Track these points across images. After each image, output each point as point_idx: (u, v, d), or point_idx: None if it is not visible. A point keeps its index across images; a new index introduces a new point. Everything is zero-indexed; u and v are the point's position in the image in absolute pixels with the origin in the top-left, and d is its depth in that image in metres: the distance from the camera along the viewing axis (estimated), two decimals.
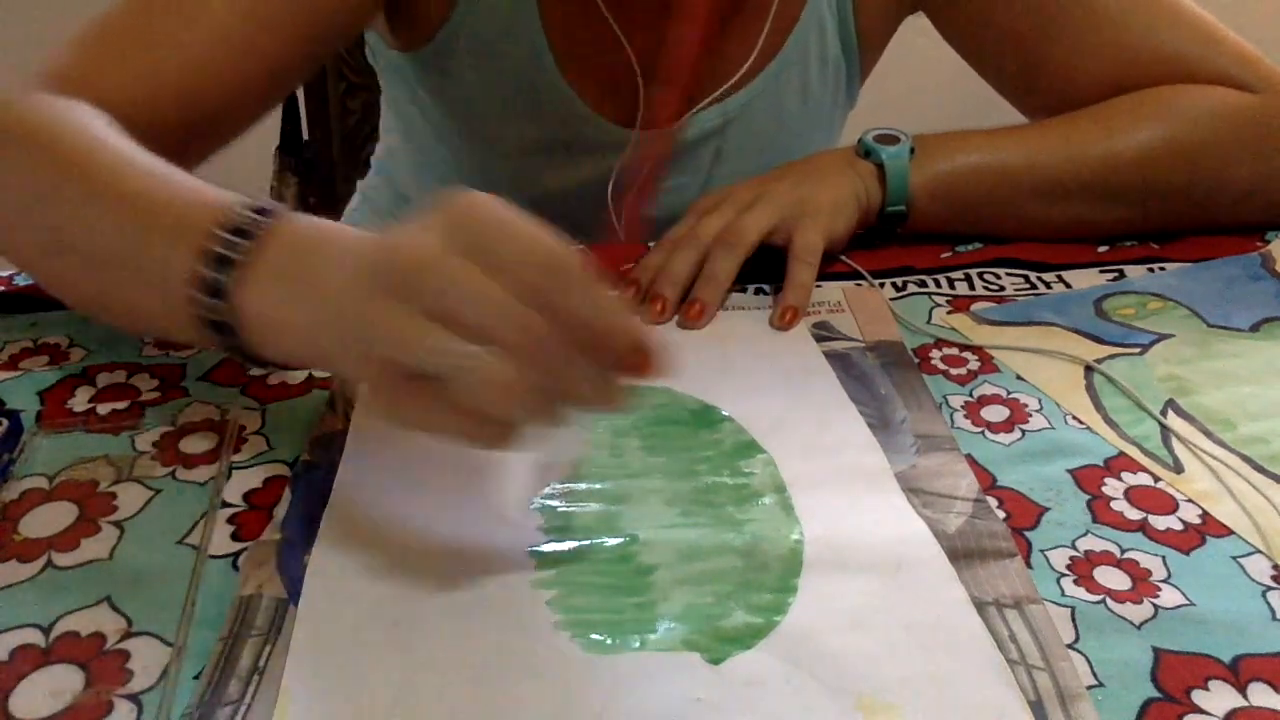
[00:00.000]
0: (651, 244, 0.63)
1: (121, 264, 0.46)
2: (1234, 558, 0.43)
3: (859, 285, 0.63)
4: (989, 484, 0.47)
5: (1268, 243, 0.68)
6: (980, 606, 0.40)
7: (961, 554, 0.42)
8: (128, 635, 0.38)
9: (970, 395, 0.53)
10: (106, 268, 0.47)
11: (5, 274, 0.62)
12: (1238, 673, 0.38)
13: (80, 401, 0.51)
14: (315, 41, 0.62)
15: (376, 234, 0.39)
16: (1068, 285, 0.64)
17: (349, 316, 0.38)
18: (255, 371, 0.53)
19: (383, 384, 0.37)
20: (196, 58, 0.57)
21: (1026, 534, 0.44)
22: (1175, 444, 0.50)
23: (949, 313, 0.61)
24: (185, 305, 0.42)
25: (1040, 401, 0.53)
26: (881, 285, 0.64)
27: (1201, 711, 0.36)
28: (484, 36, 0.70)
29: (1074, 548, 0.43)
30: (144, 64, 0.56)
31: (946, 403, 0.53)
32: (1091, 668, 0.38)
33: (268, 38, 0.59)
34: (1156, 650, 0.38)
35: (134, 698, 0.36)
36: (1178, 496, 0.46)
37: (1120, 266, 0.66)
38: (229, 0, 0.58)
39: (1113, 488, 0.47)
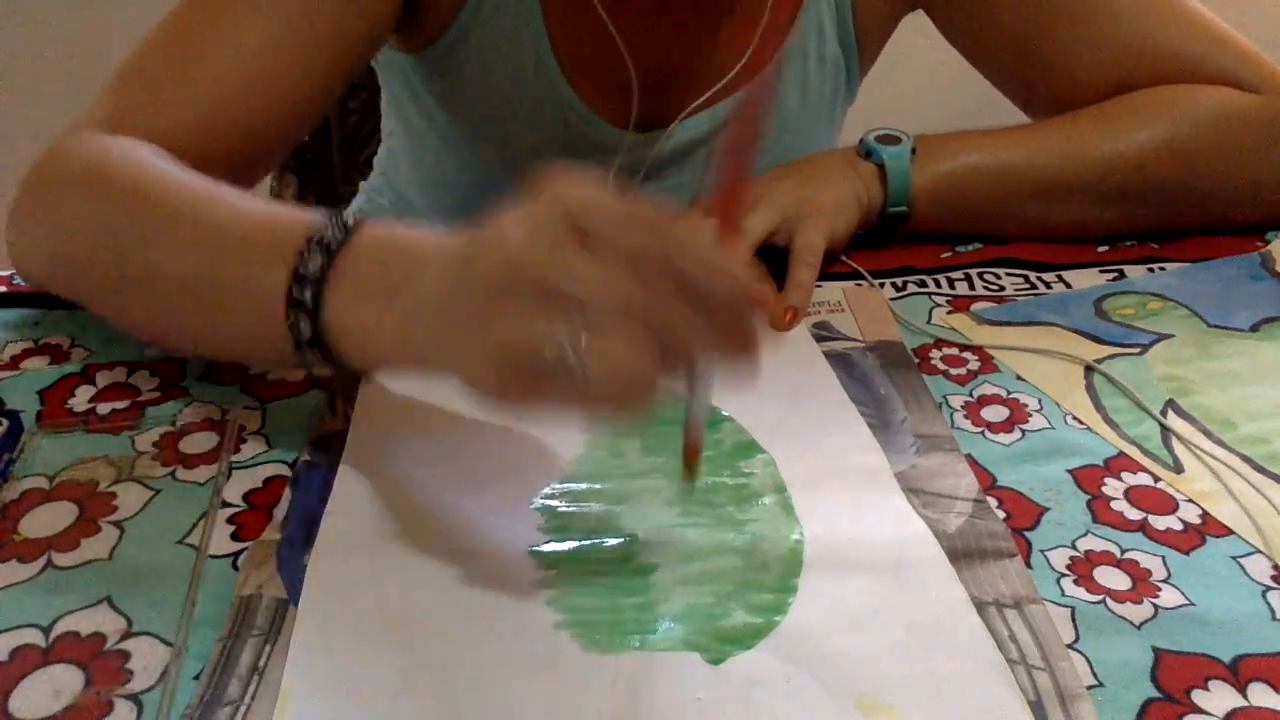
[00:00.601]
0: None
1: (214, 293, 0.46)
2: (1234, 558, 0.43)
3: (859, 285, 0.63)
4: (989, 484, 0.47)
5: (1268, 243, 0.68)
6: (980, 606, 0.40)
7: (961, 554, 0.42)
8: (128, 635, 0.38)
9: (970, 395, 0.53)
10: (198, 298, 0.47)
11: (5, 274, 0.62)
12: (1238, 673, 0.38)
13: (80, 401, 0.51)
14: (346, 58, 0.63)
15: (461, 232, 0.39)
16: (1068, 285, 0.64)
17: (455, 313, 0.37)
18: (258, 371, 0.53)
19: (503, 379, 0.36)
20: (235, 89, 0.58)
21: (1026, 534, 0.44)
22: (1175, 444, 0.50)
23: (949, 313, 0.61)
24: (282, 326, 0.43)
25: (1040, 401, 0.53)
26: (881, 285, 0.63)
27: (1201, 711, 0.36)
28: (488, 39, 0.70)
29: (1074, 548, 0.43)
30: (187, 99, 0.57)
31: (946, 403, 0.52)
32: (1091, 668, 0.38)
33: (299, 62, 0.60)
34: (1156, 650, 0.38)
35: (134, 698, 0.36)
36: (1178, 496, 0.46)
37: (1120, 266, 0.66)
38: (258, 30, 0.58)
39: (1113, 488, 0.47)
